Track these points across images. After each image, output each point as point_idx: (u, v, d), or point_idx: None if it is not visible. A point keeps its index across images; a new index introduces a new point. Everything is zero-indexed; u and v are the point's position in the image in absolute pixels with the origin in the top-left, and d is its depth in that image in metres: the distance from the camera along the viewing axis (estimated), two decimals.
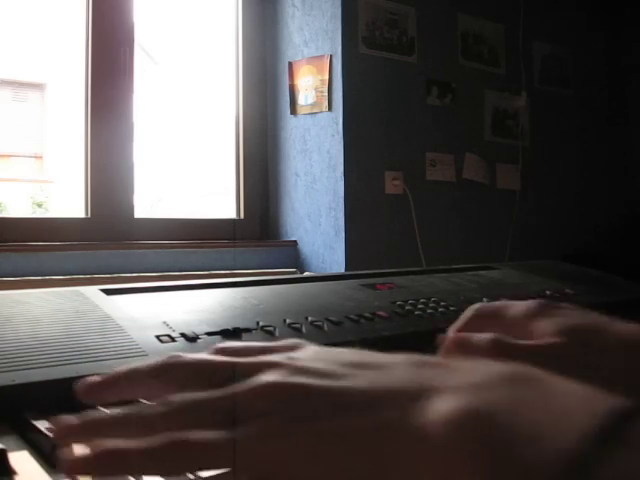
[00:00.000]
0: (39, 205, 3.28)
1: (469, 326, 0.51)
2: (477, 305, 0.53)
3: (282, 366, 0.33)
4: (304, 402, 0.31)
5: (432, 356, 0.34)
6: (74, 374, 0.51)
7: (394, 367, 0.32)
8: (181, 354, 0.37)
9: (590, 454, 0.24)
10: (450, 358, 0.34)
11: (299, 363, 0.34)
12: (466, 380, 0.30)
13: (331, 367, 0.33)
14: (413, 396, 0.30)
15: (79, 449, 0.33)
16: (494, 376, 0.29)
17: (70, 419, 0.34)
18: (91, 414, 0.34)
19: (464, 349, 0.47)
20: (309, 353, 0.36)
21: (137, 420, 0.33)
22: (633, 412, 0.26)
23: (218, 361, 0.36)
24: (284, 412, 0.31)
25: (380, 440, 0.29)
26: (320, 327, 0.68)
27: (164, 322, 0.62)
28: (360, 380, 0.31)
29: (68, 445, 0.34)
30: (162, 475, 0.33)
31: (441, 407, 0.28)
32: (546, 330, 0.46)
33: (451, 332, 0.53)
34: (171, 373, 0.36)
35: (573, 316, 0.48)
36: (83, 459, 0.31)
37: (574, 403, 0.27)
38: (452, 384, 0.30)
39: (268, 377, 0.33)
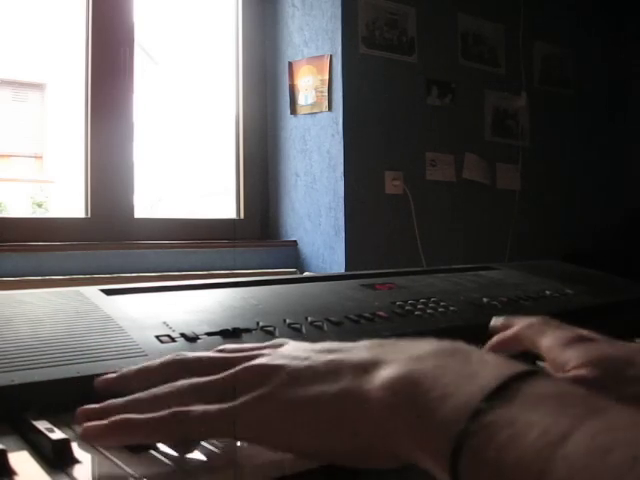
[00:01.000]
0: (39, 205, 3.27)
1: (507, 344, 0.57)
2: (519, 326, 0.57)
3: (267, 355, 0.42)
4: (278, 377, 0.39)
5: (386, 340, 0.40)
6: (74, 374, 0.51)
7: (355, 348, 0.40)
8: (185, 352, 0.45)
9: (483, 406, 0.30)
10: (400, 340, 0.40)
11: (280, 352, 0.42)
12: (406, 354, 0.36)
13: (304, 353, 0.41)
14: (365, 367, 0.37)
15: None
16: (428, 350, 0.36)
17: (92, 406, 0.41)
18: (109, 401, 0.42)
19: None
20: (290, 346, 0.43)
21: (147, 399, 0.40)
22: (523, 374, 0.31)
23: (216, 356, 0.44)
24: (265, 386, 0.38)
25: (338, 403, 0.36)
26: (320, 327, 0.68)
27: (164, 322, 0.62)
28: (324, 358, 0.39)
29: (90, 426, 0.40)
30: (167, 441, 0.40)
31: (382, 375, 0.36)
32: (577, 361, 0.49)
33: (493, 343, 0.58)
34: (176, 368, 0.44)
35: (604, 346, 0.50)
36: (98, 426, 0.39)
37: (483, 369, 0.33)
38: (395, 357, 0.36)
39: (254, 361, 0.41)
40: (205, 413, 0.38)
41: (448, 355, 0.35)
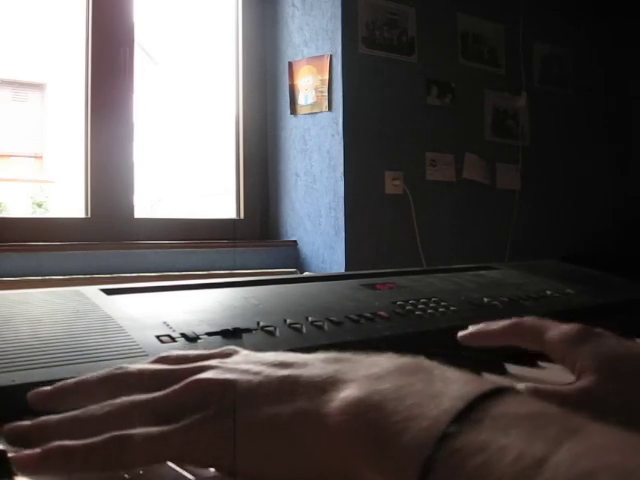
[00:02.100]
0: (39, 205, 3.27)
1: (505, 330, 0.54)
2: (520, 318, 0.54)
3: (214, 367, 0.38)
4: (226, 396, 0.35)
5: (343, 353, 0.38)
6: (75, 374, 0.50)
7: (310, 363, 0.37)
8: (125, 365, 0.41)
9: (450, 430, 0.28)
10: (358, 354, 0.37)
11: (228, 365, 0.38)
12: (366, 372, 0.34)
13: (255, 366, 0.37)
14: (322, 387, 0.34)
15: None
16: (389, 368, 0.34)
17: (22, 424, 0.37)
18: (41, 419, 0.38)
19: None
20: (239, 357, 0.40)
21: (83, 419, 0.37)
22: (491, 393, 0.30)
23: (159, 369, 0.40)
24: (207, 406, 0.35)
25: (293, 426, 0.33)
26: (320, 327, 0.68)
27: (164, 322, 0.62)
28: (279, 375, 0.36)
29: (19, 448, 0.36)
30: (107, 469, 0.35)
31: (341, 396, 0.33)
32: (585, 362, 0.47)
33: (485, 325, 0.55)
34: (115, 382, 0.40)
35: (612, 344, 0.48)
36: (31, 456, 0.34)
37: (448, 388, 0.31)
38: (354, 376, 0.34)
39: (201, 375, 0.37)
40: (148, 437, 0.34)
41: (410, 373, 0.33)
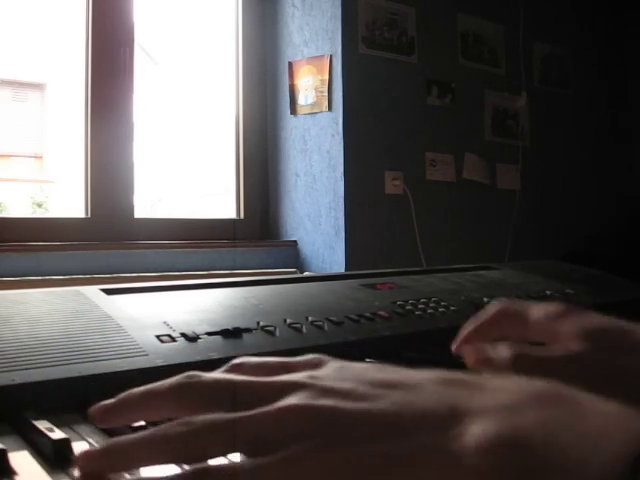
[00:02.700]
0: (39, 205, 3.27)
1: (491, 323, 0.51)
2: (501, 303, 0.52)
3: (306, 387, 0.32)
4: (332, 426, 0.30)
5: (458, 372, 0.33)
6: (74, 374, 0.51)
7: (422, 386, 0.31)
8: (198, 373, 0.35)
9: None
10: (477, 374, 0.32)
11: (324, 383, 0.32)
12: (497, 401, 0.28)
13: (357, 387, 0.31)
14: (444, 420, 0.29)
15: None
16: (525, 396, 0.28)
17: (92, 449, 0.33)
18: (113, 441, 0.33)
19: (484, 364, 0.46)
20: (332, 371, 0.34)
21: (156, 441, 0.31)
22: None
23: (238, 381, 0.34)
24: (311, 437, 0.29)
25: (413, 466, 0.28)
26: (320, 327, 0.68)
27: (164, 322, 0.62)
28: (388, 401, 0.30)
29: (93, 473, 0.33)
30: None
31: (474, 432, 0.27)
32: (569, 333, 0.45)
33: (472, 326, 0.52)
34: (189, 394, 0.34)
35: (596, 318, 0.47)
36: None
37: (609, 425, 0.25)
38: (483, 406, 0.28)
39: (292, 400, 0.31)
40: (235, 472, 0.29)
41: (553, 404, 0.28)
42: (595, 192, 3.05)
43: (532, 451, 0.25)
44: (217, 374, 0.36)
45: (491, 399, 0.29)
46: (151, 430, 0.32)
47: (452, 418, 0.28)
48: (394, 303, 0.80)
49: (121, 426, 0.41)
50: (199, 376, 0.35)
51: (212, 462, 0.31)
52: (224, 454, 0.31)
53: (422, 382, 0.32)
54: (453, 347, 0.52)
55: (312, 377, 0.33)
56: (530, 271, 1.08)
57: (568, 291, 0.96)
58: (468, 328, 0.51)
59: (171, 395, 0.35)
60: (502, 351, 0.45)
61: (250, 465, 0.29)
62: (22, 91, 3.49)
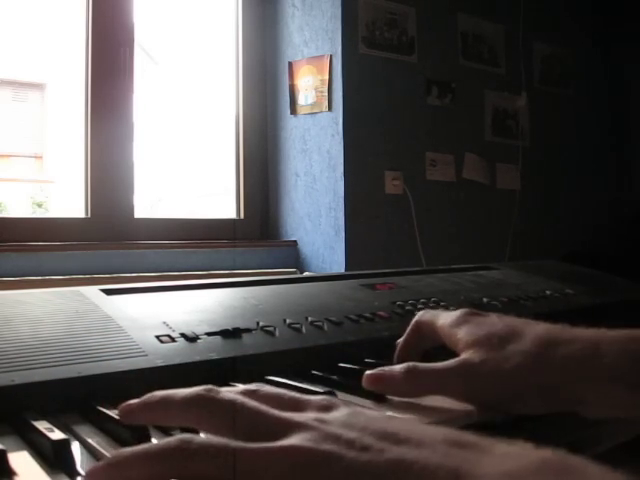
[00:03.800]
0: (39, 205, 3.27)
1: (413, 336, 0.58)
2: (419, 315, 0.59)
3: (312, 429, 0.32)
4: (324, 472, 0.30)
5: (466, 433, 0.32)
6: (74, 374, 0.51)
7: (426, 444, 0.31)
8: (217, 389, 0.37)
9: None
10: (485, 438, 0.32)
11: (330, 428, 0.32)
12: (499, 468, 0.28)
13: (362, 437, 0.31)
14: None
15: None
16: (528, 465, 0.28)
17: (96, 468, 0.33)
18: (114, 455, 0.33)
19: (382, 385, 0.51)
20: (340, 416, 0.34)
21: (157, 459, 0.32)
22: None
23: (251, 407, 0.35)
24: (302, 479, 0.30)
25: None
26: (320, 327, 0.68)
27: (164, 322, 0.62)
28: (389, 456, 0.30)
29: None
30: None
31: None
32: (467, 339, 0.51)
33: (401, 342, 0.59)
34: (203, 408, 0.36)
35: (489, 323, 0.52)
36: None
37: None
38: (484, 472, 0.28)
39: (295, 440, 0.32)
40: None
41: (557, 474, 0.27)
42: (595, 192, 3.05)
43: None
44: (234, 394, 0.36)
45: (495, 466, 0.28)
46: (150, 445, 0.33)
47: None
48: (394, 303, 0.80)
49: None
50: (216, 393, 0.36)
51: None
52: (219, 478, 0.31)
53: (428, 440, 0.31)
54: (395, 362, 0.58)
55: (319, 420, 0.33)
56: (530, 271, 1.08)
57: (568, 291, 0.96)
58: (398, 348, 0.59)
59: (186, 406, 0.36)
60: (395, 368, 0.50)
61: None
62: (22, 91, 3.49)
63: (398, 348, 0.60)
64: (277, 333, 0.65)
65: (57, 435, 0.41)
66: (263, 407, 0.35)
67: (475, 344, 0.50)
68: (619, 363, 0.46)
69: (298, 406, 0.36)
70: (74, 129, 2.16)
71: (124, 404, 0.38)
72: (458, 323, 0.53)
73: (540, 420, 0.48)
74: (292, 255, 2.34)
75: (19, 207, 3.23)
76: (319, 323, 0.69)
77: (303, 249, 2.34)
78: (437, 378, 0.49)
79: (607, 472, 0.27)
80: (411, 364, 0.50)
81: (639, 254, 2.81)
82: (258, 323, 0.66)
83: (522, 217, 2.71)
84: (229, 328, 0.63)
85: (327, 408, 0.36)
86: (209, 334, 0.61)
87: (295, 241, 2.35)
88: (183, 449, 0.31)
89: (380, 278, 0.91)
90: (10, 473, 0.37)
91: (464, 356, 0.50)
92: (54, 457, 0.39)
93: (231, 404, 0.35)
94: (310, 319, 0.69)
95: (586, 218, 2.97)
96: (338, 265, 2.23)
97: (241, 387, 0.39)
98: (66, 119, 2.93)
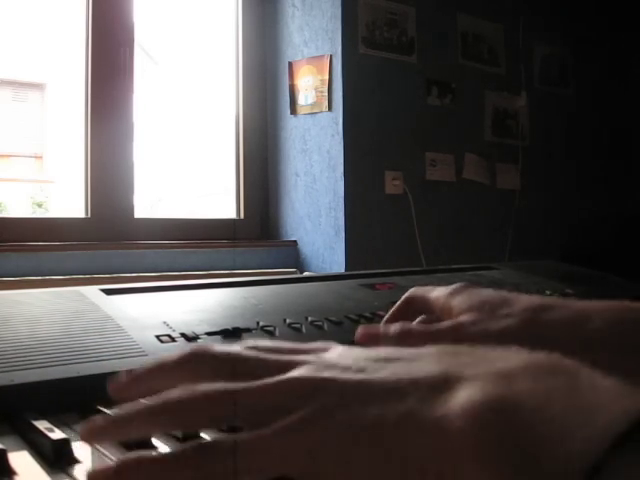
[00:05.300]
0: (39, 205, 3.28)
1: (402, 310, 0.57)
2: (410, 290, 0.58)
3: (310, 363, 0.33)
4: (330, 395, 0.30)
5: (462, 346, 0.33)
6: (74, 374, 0.51)
7: (423, 357, 0.32)
8: (209, 345, 0.37)
9: (611, 459, 0.22)
10: (480, 347, 0.32)
11: (326, 360, 0.34)
12: (491, 369, 0.28)
13: (358, 362, 0.32)
14: (436, 385, 0.29)
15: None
16: (521, 365, 0.28)
17: (99, 419, 0.33)
18: (119, 411, 0.33)
19: (375, 342, 0.50)
20: (338, 352, 0.35)
21: (160, 411, 0.32)
22: None
23: (247, 355, 0.35)
24: (310, 405, 0.30)
25: (402, 431, 0.28)
26: (320, 327, 0.68)
27: (164, 322, 0.62)
28: (386, 372, 0.31)
29: (95, 443, 0.33)
30: None
31: (461, 397, 0.27)
32: (461, 307, 0.51)
33: (388, 314, 0.58)
34: (199, 363, 0.35)
35: (484, 292, 0.53)
36: (105, 472, 0.30)
37: (601, 398, 0.25)
38: (475, 373, 0.28)
39: (294, 373, 0.32)
40: (237, 444, 0.29)
41: (548, 373, 0.27)
42: (595, 192, 3.05)
43: (517, 418, 0.25)
44: (230, 347, 0.37)
45: (486, 367, 0.29)
46: (153, 398, 0.33)
47: (443, 383, 0.29)
48: (394, 303, 0.79)
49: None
50: (209, 347, 0.36)
51: (213, 435, 0.32)
52: (224, 424, 0.31)
53: (421, 354, 0.32)
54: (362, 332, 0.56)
55: (317, 357, 0.34)
56: (530, 271, 1.08)
57: (568, 291, 0.96)
58: (386, 316, 0.58)
59: (180, 365, 0.36)
60: (390, 327, 0.50)
61: (251, 436, 0.30)
62: (22, 91, 3.49)
63: (385, 318, 0.59)
64: (277, 333, 0.65)
65: (57, 435, 0.41)
66: (262, 354, 0.35)
67: (468, 310, 0.50)
68: (606, 329, 0.46)
69: (296, 352, 0.36)
70: (74, 129, 2.17)
71: (114, 382, 0.37)
72: (452, 294, 0.54)
73: None
74: (292, 255, 2.34)
75: (19, 207, 3.23)
76: (319, 323, 0.69)
77: (303, 249, 2.34)
78: (429, 339, 0.48)
79: (599, 376, 0.27)
80: (405, 324, 0.50)
81: (639, 254, 2.81)
82: (258, 323, 0.66)
83: (522, 217, 2.71)
84: (229, 328, 0.63)
85: (324, 349, 0.36)
86: (209, 334, 0.61)
87: (295, 241, 2.35)
88: (185, 399, 0.32)
89: (380, 278, 0.91)
90: (10, 473, 0.37)
91: (456, 319, 0.50)
92: (54, 457, 0.39)
93: (226, 355, 0.35)
94: (310, 319, 0.69)
95: (586, 218, 2.97)
96: (338, 265, 2.23)
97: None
98: (66, 119, 2.93)
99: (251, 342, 0.38)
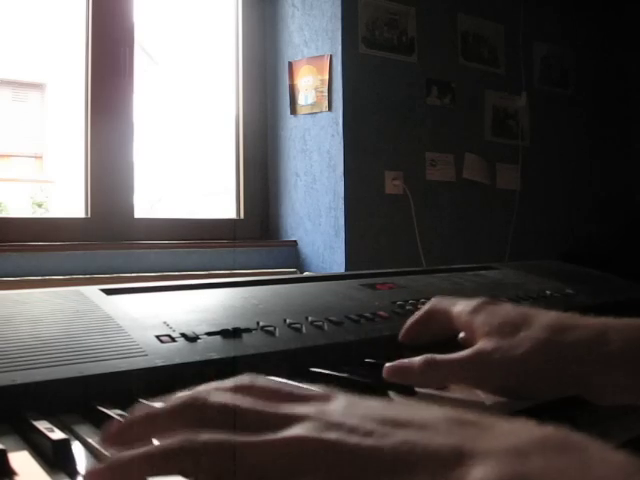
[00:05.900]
0: (39, 205, 3.27)
1: (423, 322, 0.60)
2: (432, 301, 0.60)
3: (312, 419, 0.32)
4: (329, 460, 0.29)
5: (469, 412, 0.32)
6: (74, 374, 0.51)
7: (430, 425, 0.31)
8: (204, 393, 0.35)
9: None
10: (486, 416, 0.32)
11: (330, 417, 0.32)
12: (502, 445, 0.28)
13: (364, 423, 0.31)
14: (446, 461, 0.28)
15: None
16: (532, 441, 0.28)
17: (96, 469, 0.32)
18: (116, 457, 0.32)
19: (402, 376, 0.53)
20: (341, 406, 0.34)
21: (160, 459, 0.31)
22: None
23: (245, 407, 0.33)
24: (313, 471, 0.29)
25: None
26: (320, 327, 0.68)
27: (164, 322, 0.62)
28: (394, 440, 0.30)
29: None
30: None
31: (475, 475, 0.27)
32: (482, 328, 0.53)
33: (409, 323, 0.61)
34: (194, 413, 0.34)
35: (504, 310, 0.55)
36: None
37: (611, 474, 0.25)
38: (487, 449, 0.28)
39: (297, 430, 0.31)
40: None
41: (559, 451, 0.27)
42: (595, 192, 3.05)
43: None
44: (225, 394, 0.35)
45: (497, 442, 0.28)
46: (153, 445, 0.32)
47: (455, 459, 0.28)
48: (394, 303, 0.80)
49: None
50: (205, 398, 0.34)
51: None
52: (222, 477, 0.30)
53: (430, 421, 0.31)
54: (400, 338, 0.62)
55: (319, 411, 0.33)
56: (530, 271, 1.08)
57: (568, 291, 0.96)
58: (406, 325, 0.61)
59: (176, 417, 0.34)
60: (415, 360, 0.52)
61: None
62: (22, 91, 3.48)
63: (406, 326, 0.62)
64: (277, 333, 0.65)
65: (57, 435, 0.41)
66: (259, 403, 0.34)
67: (489, 333, 0.52)
68: (624, 349, 0.47)
69: (295, 399, 0.35)
70: (74, 129, 2.16)
71: (106, 430, 0.36)
72: (474, 312, 0.55)
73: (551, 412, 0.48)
74: (292, 255, 2.34)
75: (19, 207, 3.23)
76: (319, 323, 0.69)
77: (303, 249, 2.34)
78: (453, 368, 0.52)
79: (609, 451, 0.27)
80: (429, 355, 0.52)
81: (639, 254, 2.81)
82: (258, 323, 0.66)
83: (522, 217, 2.71)
84: (229, 328, 0.63)
85: (326, 399, 0.35)
86: (209, 334, 0.61)
87: (295, 241, 2.35)
88: (185, 448, 0.31)
89: (380, 278, 0.91)
90: (10, 473, 0.37)
91: (478, 345, 0.52)
92: (54, 457, 0.39)
93: (223, 407, 0.34)
94: (310, 319, 0.69)
95: (586, 218, 2.97)
96: (338, 265, 2.23)
97: (233, 382, 0.36)
98: (66, 119, 2.93)
99: (247, 380, 0.36)
